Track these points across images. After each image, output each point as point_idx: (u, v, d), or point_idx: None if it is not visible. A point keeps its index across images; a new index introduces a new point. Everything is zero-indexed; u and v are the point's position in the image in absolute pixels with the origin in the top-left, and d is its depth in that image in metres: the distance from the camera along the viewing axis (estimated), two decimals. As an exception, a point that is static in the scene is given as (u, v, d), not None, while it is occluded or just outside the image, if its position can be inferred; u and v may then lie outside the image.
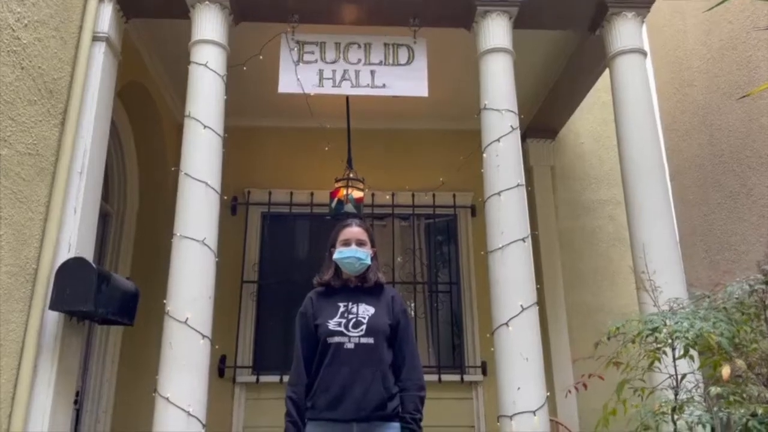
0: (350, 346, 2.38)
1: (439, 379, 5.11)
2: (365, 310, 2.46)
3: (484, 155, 3.66)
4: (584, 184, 5.93)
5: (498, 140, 3.59)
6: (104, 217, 4.71)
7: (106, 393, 4.47)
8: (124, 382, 4.61)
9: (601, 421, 2.73)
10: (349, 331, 2.41)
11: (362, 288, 2.53)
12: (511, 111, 3.68)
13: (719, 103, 4.66)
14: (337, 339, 2.39)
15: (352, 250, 2.51)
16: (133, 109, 4.81)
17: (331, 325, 2.42)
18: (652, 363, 2.76)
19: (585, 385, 3.11)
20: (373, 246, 2.61)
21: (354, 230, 2.58)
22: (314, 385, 2.39)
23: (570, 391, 3.32)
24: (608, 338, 2.82)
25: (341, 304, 2.48)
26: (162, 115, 5.11)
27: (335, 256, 2.54)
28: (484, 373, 5.18)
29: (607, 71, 4.39)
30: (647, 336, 2.69)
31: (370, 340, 2.40)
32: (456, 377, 5.21)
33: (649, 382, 2.91)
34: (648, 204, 3.55)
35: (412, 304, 5.49)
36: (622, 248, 5.48)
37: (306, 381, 2.42)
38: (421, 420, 2.41)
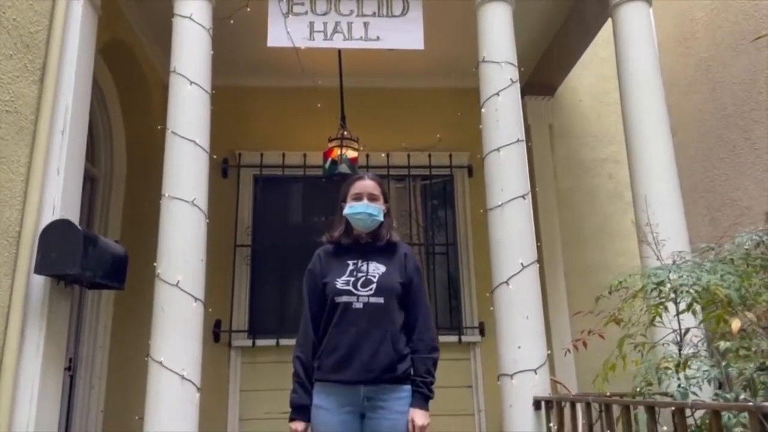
0: (359, 305, 2.27)
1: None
2: (375, 269, 2.34)
3: (483, 110, 3.53)
4: (583, 142, 5.82)
5: (497, 94, 3.47)
6: (91, 181, 4.58)
7: (100, 359, 4.42)
8: (117, 347, 4.54)
9: (600, 375, 2.68)
10: (357, 290, 2.30)
11: (374, 245, 2.41)
12: (511, 63, 3.55)
13: (723, 56, 4.52)
14: (345, 298, 2.29)
15: (363, 206, 2.38)
16: (116, 68, 4.63)
17: (339, 283, 2.31)
18: (654, 318, 2.70)
19: (585, 344, 3.05)
20: (386, 201, 2.47)
21: (366, 184, 2.44)
22: (321, 345, 2.30)
23: (569, 350, 3.27)
24: (610, 292, 2.75)
25: (350, 262, 2.36)
26: (147, 74, 4.92)
27: (346, 211, 2.41)
28: (482, 333, 5.15)
29: (606, 25, 4.25)
30: (651, 290, 2.62)
31: (380, 300, 2.29)
32: (454, 338, 5.18)
33: (650, 337, 2.85)
34: (651, 157, 3.46)
35: (409, 266, 5.43)
36: (622, 206, 5.41)
37: (314, 340, 2.32)
38: (432, 383, 2.32)
